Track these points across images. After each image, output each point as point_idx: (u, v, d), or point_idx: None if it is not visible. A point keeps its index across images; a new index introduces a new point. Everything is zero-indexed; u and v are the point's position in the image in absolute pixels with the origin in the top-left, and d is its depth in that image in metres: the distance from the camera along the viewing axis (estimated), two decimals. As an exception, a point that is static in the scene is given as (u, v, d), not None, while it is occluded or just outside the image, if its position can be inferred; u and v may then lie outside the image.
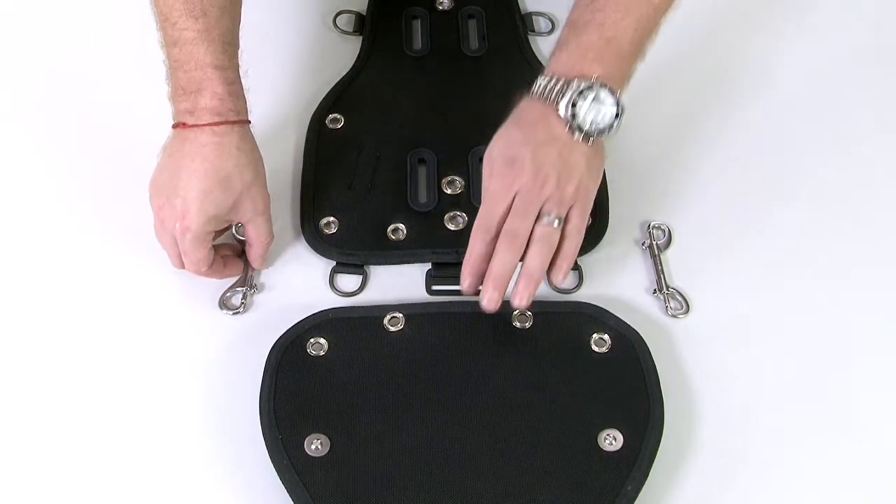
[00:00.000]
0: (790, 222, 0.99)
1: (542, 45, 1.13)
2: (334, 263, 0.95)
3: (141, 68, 0.95)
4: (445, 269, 0.93)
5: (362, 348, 0.88)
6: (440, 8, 1.16)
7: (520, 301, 0.85)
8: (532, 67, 1.10)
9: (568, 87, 0.85)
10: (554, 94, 0.85)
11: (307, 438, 0.82)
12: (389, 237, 0.95)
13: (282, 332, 0.89)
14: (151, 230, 0.91)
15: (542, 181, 0.84)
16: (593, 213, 0.92)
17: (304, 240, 0.96)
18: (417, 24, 1.15)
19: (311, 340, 0.88)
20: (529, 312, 0.89)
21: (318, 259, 0.95)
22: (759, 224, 0.98)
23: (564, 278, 0.87)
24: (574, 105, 0.84)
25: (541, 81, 0.87)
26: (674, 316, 0.92)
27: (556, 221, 0.85)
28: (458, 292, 0.90)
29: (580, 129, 0.85)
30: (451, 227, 0.96)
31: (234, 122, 0.88)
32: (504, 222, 0.85)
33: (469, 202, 0.97)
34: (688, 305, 0.92)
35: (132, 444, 0.84)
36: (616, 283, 0.94)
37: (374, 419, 0.84)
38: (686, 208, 0.99)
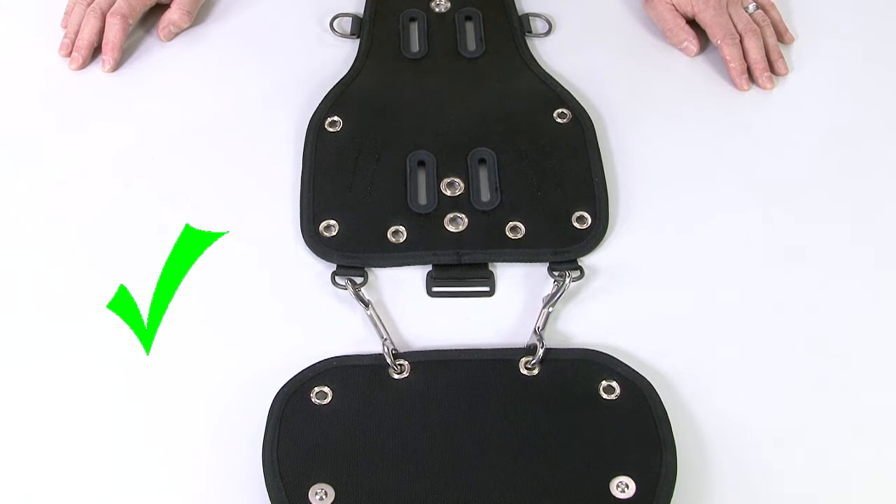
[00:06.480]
0: (786, 222, 0.98)
1: (540, 47, 1.13)
2: (335, 266, 0.95)
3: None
4: (446, 271, 0.93)
5: (367, 396, 0.85)
6: (437, 10, 1.16)
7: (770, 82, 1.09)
8: (529, 68, 1.10)
9: None
10: None
11: (311, 488, 0.79)
12: (389, 239, 0.95)
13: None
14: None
15: None
16: (594, 215, 0.94)
17: (304, 243, 0.96)
18: (414, 27, 1.15)
19: (316, 390, 0.85)
20: (536, 360, 0.87)
21: (318, 262, 0.95)
22: (758, 224, 0.98)
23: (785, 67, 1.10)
24: None
25: None
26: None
27: (753, 6, 1.12)
28: (459, 294, 0.90)
29: None
30: (452, 228, 0.96)
31: None
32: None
33: (469, 203, 0.97)
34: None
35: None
36: (616, 282, 0.94)
37: (381, 469, 0.81)
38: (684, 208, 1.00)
